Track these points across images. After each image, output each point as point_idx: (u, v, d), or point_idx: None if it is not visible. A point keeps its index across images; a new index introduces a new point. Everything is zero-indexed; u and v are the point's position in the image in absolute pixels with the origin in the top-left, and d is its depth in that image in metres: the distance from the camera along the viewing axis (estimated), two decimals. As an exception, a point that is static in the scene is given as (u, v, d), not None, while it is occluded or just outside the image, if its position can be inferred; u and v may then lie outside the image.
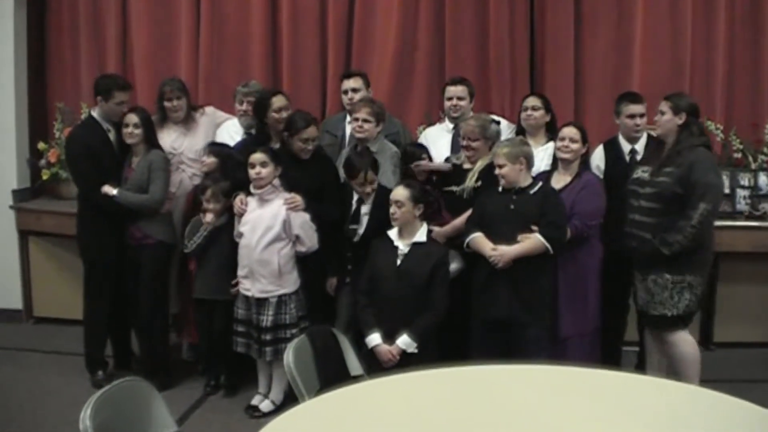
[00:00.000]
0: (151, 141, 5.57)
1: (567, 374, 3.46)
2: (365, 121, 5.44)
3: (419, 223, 4.89)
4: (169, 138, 5.82)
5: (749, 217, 6.29)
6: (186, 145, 5.82)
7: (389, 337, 4.71)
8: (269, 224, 5.09)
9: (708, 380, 5.47)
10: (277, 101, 5.63)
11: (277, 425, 2.94)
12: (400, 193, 4.84)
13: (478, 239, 4.95)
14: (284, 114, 5.56)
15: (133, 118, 5.48)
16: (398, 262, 4.80)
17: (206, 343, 5.61)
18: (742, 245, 6.03)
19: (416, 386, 3.32)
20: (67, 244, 6.53)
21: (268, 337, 5.10)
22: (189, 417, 5.25)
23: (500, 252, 4.84)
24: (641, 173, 5.01)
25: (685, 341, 5.03)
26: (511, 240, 4.85)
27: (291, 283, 5.17)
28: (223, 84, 6.79)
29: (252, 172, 5.08)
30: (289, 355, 3.61)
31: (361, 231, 5.25)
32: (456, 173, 5.42)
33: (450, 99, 5.84)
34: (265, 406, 5.21)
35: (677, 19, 6.64)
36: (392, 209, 4.82)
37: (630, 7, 6.69)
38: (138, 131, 5.46)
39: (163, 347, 5.77)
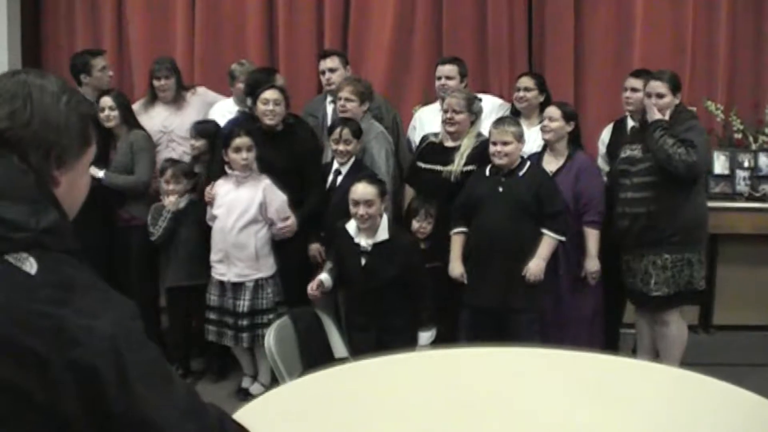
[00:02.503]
0: (130, 122, 5.53)
1: (555, 357, 3.38)
2: (348, 100, 5.30)
3: (382, 216, 4.58)
4: (159, 117, 5.80)
5: (749, 199, 6.20)
6: (177, 124, 5.76)
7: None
8: (245, 207, 4.94)
9: (707, 364, 5.42)
10: (279, 80, 5.59)
11: (257, 406, 2.88)
12: (369, 191, 4.46)
13: (454, 244, 4.94)
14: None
15: (107, 101, 5.43)
16: (362, 261, 4.49)
17: (181, 332, 5.51)
18: (743, 227, 5.94)
19: (402, 368, 3.26)
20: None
21: (244, 322, 4.98)
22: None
23: (533, 272, 4.75)
24: (630, 152, 4.94)
25: (679, 322, 5.05)
26: (501, 224, 4.75)
27: (268, 267, 5.05)
28: (218, 64, 6.69)
29: (238, 157, 4.92)
30: (270, 338, 3.56)
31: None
32: (438, 151, 5.23)
33: (439, 78, 5.72)
34: (255, 388, 5.12)
35: (679, -2, 6.56)
36: (361, 210, 4.43)
37: (630, -15, 6.60)
38: (114, 113, 5.41)
39: (155, 330, 5.67)
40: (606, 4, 6.64)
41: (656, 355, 5.23)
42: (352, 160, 5.15)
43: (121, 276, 5.57)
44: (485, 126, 5.24)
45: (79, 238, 1.52)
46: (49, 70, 6.37)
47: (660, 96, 4.83)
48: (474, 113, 5.20)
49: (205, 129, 5.47)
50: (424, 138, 5.47)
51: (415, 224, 5.04)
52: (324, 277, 4.55)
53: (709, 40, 6.55)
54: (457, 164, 5.08)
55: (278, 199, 5.02)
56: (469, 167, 5.04)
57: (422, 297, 4.49)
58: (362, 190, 4.47)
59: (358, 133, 5.12)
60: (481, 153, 5.03)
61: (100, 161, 5.40)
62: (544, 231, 4.79)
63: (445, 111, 5.20)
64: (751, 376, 5.36)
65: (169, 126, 5.77)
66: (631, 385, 3.03)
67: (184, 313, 5.47)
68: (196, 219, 5.23)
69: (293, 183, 5.16)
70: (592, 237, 5.01)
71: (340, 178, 5.15)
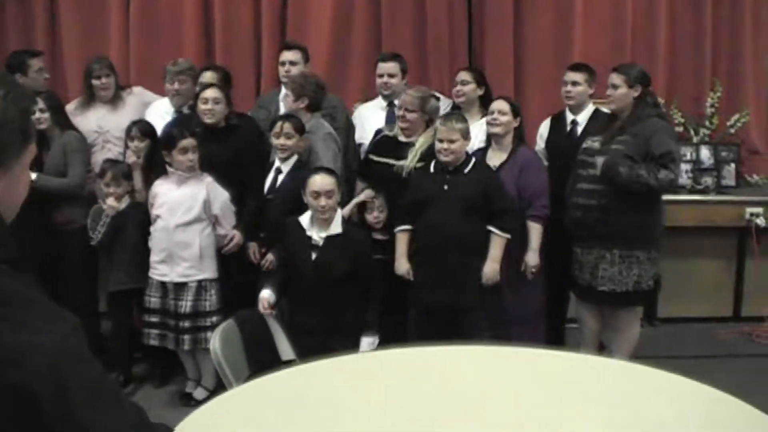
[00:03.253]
0: (62, 123, 5.38)
1: (507, 354, 3.37)
2: (285, 95, 5.30)
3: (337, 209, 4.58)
4: (95, 116, 5.65)
5: (692, 191, 6.25)
6: (113, 124, 5.60)
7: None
8: (189, 205, 4.87)
9: (652, 356, 5.45)
10: (207, 76, 5.54)
11: (206, 412, 2.80)
12: (328, 181, 4.46)
13: (399, 242, 4.91)
14: None
15: (38, 102, 5.27)
16: (313, 255, 4.44)
17: (123, 337, 5.36)
18: (685, 220, 5.96)
19: (351, 370, 3.21)
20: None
21: (186, 324, 4.89)
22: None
23: (489, 276, 4.77)
24: (591, 143, 4.92)
25: (634, 322, 5.06)
26: (448, 222, 4.69)
27: (211, 269, 4.96)
28: (154, 63, 6.54)
29: (184, 158, 4.84)
30: (215, 341, 3.48)
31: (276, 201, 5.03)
32: (392, 145, 5.18)
33: (381, 76, 5.68)
34: (199, 393, 5.02)
35: (618, -7, 6.57)
36: (323, 201, 4.42)
37: (570, -20, 6.60)
38: (45, 115, 5.25)
39: (96, 336, 5.54)
40: (545, 1, 6.62)
41: (600, 349, 5.25)
42: (294, 158, 5.04)
43: (58, 281, 5.42)
44: None
45: (16, 244, 1.42)
46: (-18, 66, 6.22)
47: (614, 87, 4.82)
48: (427, 112, 5.14)
49: (147, 129, 5.33)
50: (379, 131, 5.42)
51: (370, 217, 5.05)
52: (266, 294, 4.37)
53: (650, 35, 6.59)
54: (411, 160, 5.03)
55: (221, 196, 4.96)
56: (421, 164, 4.99)
57: (371, 294, 4.46)
58: (321, 180, 4.44)
59: (300, 129, 5.02)
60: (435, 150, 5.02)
61: (33, 163, 5.25)
62: (492, 229, 4.77)
63: (399, 108, 5.16)
64: (696, 367, 5.38)
65: (104, 126, 5.61)
66: (588, 381, 3.01)
67: (127, 317, 5.34)
68: (137, 221, 5.11)
69: (235, 180, 5.09)
70: (535, 231, 4.97)
71: (281, 177, 5.05)
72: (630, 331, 5.05)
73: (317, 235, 4.45)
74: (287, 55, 5.70)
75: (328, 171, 4.58)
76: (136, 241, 5.10)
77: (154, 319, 4.97)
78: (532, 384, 2.97)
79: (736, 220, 6.20)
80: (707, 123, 6.43)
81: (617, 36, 6.54)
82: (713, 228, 6.21)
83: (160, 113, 5.67)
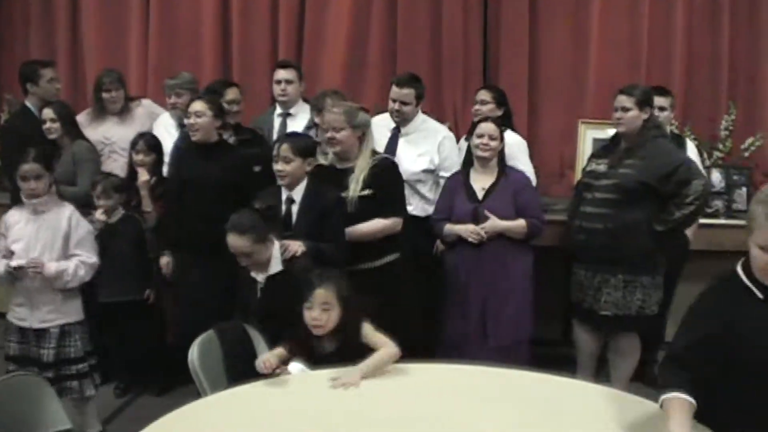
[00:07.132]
0: (72, 133, 5.48)
1: (494, 376, 3.38)
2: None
3: (270, 248, 4.07)
4: (103, 127, 5.77)
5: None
6: (119, 135, 5.71)
7: None
8: (48, 241, 4.37)
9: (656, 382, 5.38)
10: (231, 93, 5.55)
11: (173, 419, 2.88)
12: (239, 244, 3.94)
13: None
14: (235, 107, 5.50)
15: (48, 113, 5.40)
16: (258, 294, 4.06)
17: (116, 347, 5.39)
18: (695, 244, 5.85)
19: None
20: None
21: (50, 374, 4.27)
22: (117, 416, 5.17)
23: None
24: (596, 165, 4.89)
25: (635, 347, 5.04)
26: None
27: (75, 311, 4.51)
28: (172, 75, 6.63)
29: (25, 186, 4.31)
30: (193, 351, 3.51)
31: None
32: (331, 175, 4.61)
33: (394, 101, 5.35)
34: None
35: (635, 12, 6.54)
36: (243, 262, 4.02)
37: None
38: (55, 125, 5.38)
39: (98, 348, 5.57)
40: (561, 19, 6.62)
41: (597, 371, 5.20)
42: (304, 183, 4.44)
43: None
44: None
45: None
46: (2, 78, 6.40)
47: (625, 109, 4.76)
48: (357, 127, 4.59)
49: (152, 142, 5.41)
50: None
51: (307, 316, 3.56)
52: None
53: (665, 55, 6.52)
54: (353, 190, 4.52)
55: (82, 229, 4.53)
56: (366, 192, 4.51)
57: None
58: (232, 242, 3.97)
59: (304, 150, 4.42)
60: (379, 175, 4.58)
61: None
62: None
63: (325, 131, 4.65)
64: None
65: (111, 137, 5.73)
66: (571, 406, 3.03)
67: (118, 329, 5.32)
68: (127, 235, 5.14)
69: (227, 199, 4.63)
70: (521, 224, 4.93)
71: (294, 209, 4.45)
72: (631, 356, 5.03)
73: (260, 277, 4.08)
74: (282, 74, 5.68)
75: (243, 229, 3.96)
76: (126, 255, 5.11)
77: (12, 368, 4.37)
78: (516, 408, 2.98)
79: (746, 244, 6.06)
80: (720, 146, 6.34)
81: (633, 56, 6.49)
82: (723, 252, 6.11)
83: (166, 127, 5.76)
